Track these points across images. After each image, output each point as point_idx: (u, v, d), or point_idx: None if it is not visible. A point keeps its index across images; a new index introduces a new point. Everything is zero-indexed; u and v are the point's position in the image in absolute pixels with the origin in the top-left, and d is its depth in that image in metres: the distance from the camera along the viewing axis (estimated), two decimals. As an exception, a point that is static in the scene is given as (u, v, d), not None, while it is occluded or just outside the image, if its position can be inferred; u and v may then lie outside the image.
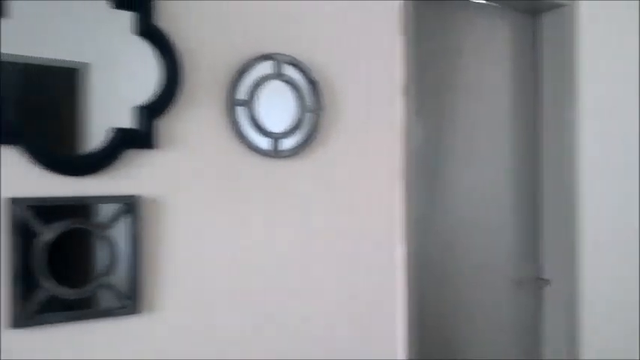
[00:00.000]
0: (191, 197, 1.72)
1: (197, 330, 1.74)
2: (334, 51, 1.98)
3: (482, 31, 2.59)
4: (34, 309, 1.49)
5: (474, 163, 2.55)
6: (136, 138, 1.59)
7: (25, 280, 1.47)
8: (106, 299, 1.59)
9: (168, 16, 1.65)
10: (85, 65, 1.55)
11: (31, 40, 1.49)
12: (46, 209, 1.50)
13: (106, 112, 1.59)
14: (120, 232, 1.59)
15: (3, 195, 1.45)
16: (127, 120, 1.59)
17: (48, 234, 1.49)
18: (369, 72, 2.07)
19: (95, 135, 1.56)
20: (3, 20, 1.42)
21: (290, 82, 1.86)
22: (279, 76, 1.83)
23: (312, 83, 1.90)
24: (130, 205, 1.60)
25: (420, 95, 2.28)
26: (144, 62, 1.61)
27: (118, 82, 1.60)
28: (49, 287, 1.50)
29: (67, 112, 1.54)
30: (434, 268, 2.40)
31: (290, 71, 1.86)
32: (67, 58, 1.53)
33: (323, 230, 1.98)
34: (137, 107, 1.59)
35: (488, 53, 2.60)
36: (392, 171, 2.13)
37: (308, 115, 1.90)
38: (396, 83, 2.13)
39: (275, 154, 1.85)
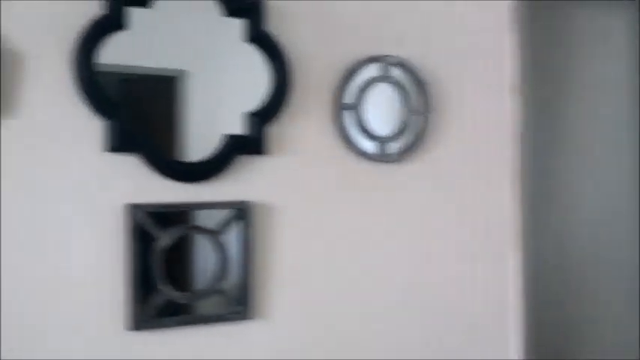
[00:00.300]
0: (300, 202, 1.72)
1: (308, 336, 1.74)
2: (443, 51, 1.92)
3: (600, 27, 2.44)
4: (152, 312, 1.52)
5: (593, 164, 2.40)
6: (247, 144, 1.61)
7: (143, 284, 1.51)
8: (218, 304, 1.62)
9: (277, 21, 1.65)
10: (194, 73, 1.59)
11: (145, 50, 1.54)
12: (163, 215, 1.54)
13: (217, 118, 1.61)
14: (231, 238, 1.61)
15: (123, 201, 1.49)
16: (237, 126, 1.60)
17: (165, 239, 1.53)
18: (479, 72, 1.99)
19: (206, 142, 1.58)
20: (124, 32, 1.46)
21: (397, 84, 1.82)
22: (386, 78, 1.79)
23: (420, 84, 1.85)
24: (241, 211, 1.61)
25: (533, 95, 2.17)
26: (254, 68, 1.62)
27: (228, 88, 1.62)
28: (166, 291, 1.53)
29: (176, 120, 1.57)
30: (550, 271, 2.28)
31: (397, 73, 1.81)
32: (175, 67, 1.57)
33: (431, 234, 1.92)
34: (247, 113, 1.60)
35: (607, 49, 2.45)
36: (504, 174, 2.03)
37: (415, 118, 1.85)
38: (507, 83, 2.04)
39: (382, 157, 1.81)
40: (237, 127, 1.60)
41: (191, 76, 1.58)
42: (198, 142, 1.59)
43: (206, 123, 1.61)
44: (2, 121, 1.37)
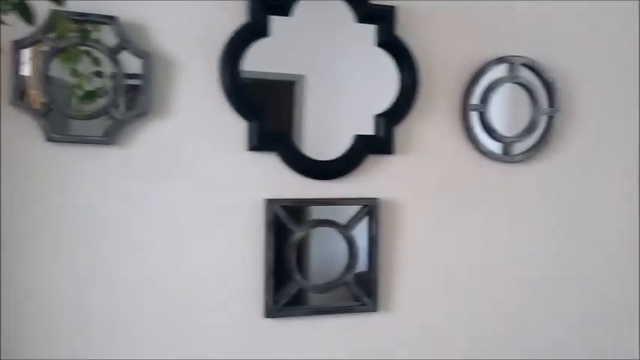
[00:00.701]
0: (425, 200, 1.76)
1: (431, 329, 1.78)
2: (571, 51, 1.89)
3: None
4: (284, 301, 1.63)
5: None
6: (376, 144, 1.67)
7: (277, 275, 1.61)
8: (345, 296, 1.69)
9: (407, 24, 1.70)
10: (324, 76, 1.66)
11: (281, 55, 1.63)
12: (297, 209, 1.64)
13: (347, 119, 1.69)
14: (360, 233, 1.68)
15: (262, 196, 1.60)
16: (366, 127, 1.66)
17: (298, 232, 1.62)
18: (607, 72, 1.93)
19: (336, 141, 1.66)
20: (265, 40, 1.57)
21: (524, 85, 1.81)
22: (513, 78, 1.79)
23: (548, 84, 1.83)
24: (370, 208, 1.68)
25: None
26: (383, 71, 1.68)
27: (358, 90, 1.69)
28: (298, 281, 1.62)
29: (305, 120, 1.65)
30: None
31: (525, 73, 1.81)
32: (306, 71, 1.65)
33: (555, 234, 1.90)
34: (377, 115, 1.67)
35: None
36: (632, 174, 1.97)
37: (542, 118, 1.83)
38: (636, 83, 1.96)
39: (507, 158, 1.81)
40: (366, 127, 1.67)
41: (321, 78, 1.66)
42: (329, 141, 1.67)
43: (335, 123, 1.69)
44: (157, 121, 1.52)
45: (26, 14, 0.83)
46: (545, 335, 1.90)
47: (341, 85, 1.68)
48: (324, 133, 1.68)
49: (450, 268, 1.79)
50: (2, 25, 0.90)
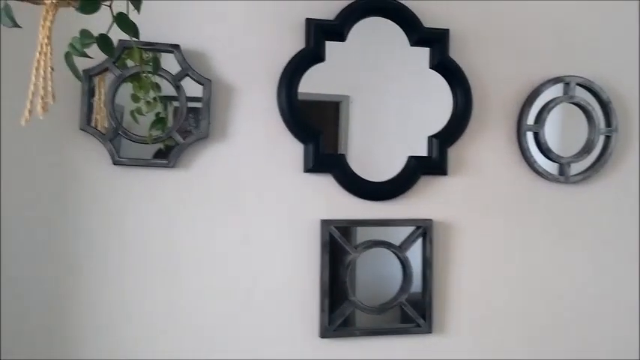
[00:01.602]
0: (479, 222, 1.75)
1: (485, 351, 1.76)
2: (627, 70, 1.86)
3: None
4: (339, 322, 1.64)
5: None
6: (430, 165, 1.68)
7: (332, 295, 1.63)
8: (398, 317, 1.69)
9: (460, 48, 1.71)
10: (378, 98, 1.68)
11: (336, 79, 1.66)
12: (351, 230, 1.66)
13: (401, 140, 1.70)
14: (414, 254, 1.68)
15: (318, 217, 1.63)
16: (419, 148, 1.68)
17: (353, 253, 1.64)
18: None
19: (391, 162, 1.68)
20: (320, 64, 1.61)
21: (580, 104, 1.79)
22: (569, 98, 1.78)
23: (604, 104, 1.81)
24: (424, 229, 1.68)
25: None
26: (437, 93, 1.69)
27: (413, 112, 1.70)
28: (353, 302, 1.64)
29: (354, 140, 1.67)
30: None
31: (581, 93, 1.79)
32: (359, 93, 1.68)
33: (614, 257, 1.86)
34: (431, 136, 1.68)
35: None
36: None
37: (599, 138, 1.81)
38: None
39: (564, 179, 1.79)
40: (420, 148, 1.68)
41: (374, 100, 1.68)
42: (382, 162, 1.69)
43: (388, 144, 1.71)
44: (217, 145, 1.57)
45: (107, 47, 0.88)
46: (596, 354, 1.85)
47: (396, 106, 1.70)
48: (373, 153, 1.70)
49: (505, 290, 1.77)
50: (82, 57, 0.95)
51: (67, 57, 0.90)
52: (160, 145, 1.54)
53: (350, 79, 1.68)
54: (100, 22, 0.93)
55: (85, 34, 0.92)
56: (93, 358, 1.50)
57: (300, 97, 1.60)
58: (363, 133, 1.68)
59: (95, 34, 0.93)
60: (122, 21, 0.94)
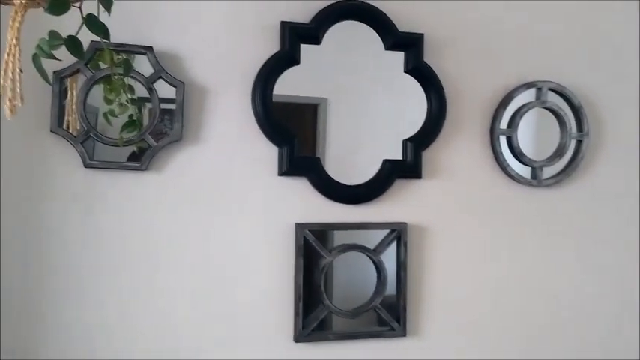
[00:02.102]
0: (453, 225, 1.76)
1: (460, 354, 1.77)
2: (598, 75, 1.89)
3: None
4: (313, 326, 1.63)
5: None
6: (405, 169, 1.69)
7: (306, 299, 1.62)
8: (373, 320, 1.70)
9: (434, 52, 1.72)
10: (352, 102, 1.69)
11: (309, 82, 1.66)
12: (325, 234, 1.66)
13: (376, 144, 1.71)
14: (388, 257, 1.69)
15: (293, 221, 1.62)
16: (396, 152, 1.68)
17: (328, 257, 1.64)
18: (636, 95, 1.93)
19: (366, 166, 1.68)
20: (296, 67, 1.60)
21: (552, 109, 1.82)
22: (541, 103, 1.80)
23: (575, 109, 1.84)
24: (398, 232, 1.69)
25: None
26: (412, 97, 1.70)
27: (387, 116, 1.71)
28: (328, 306, 1.63)
29: (328, 144, 1.67)
30: None
31: (553, 97, 1.82)
32: (331, 96, 1.68)
33: (584, 259, 1.89)
34: (405, 140, 1.69)
35: None
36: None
37: (570, 142, 1.84)
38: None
39: (536, 183, 1.81)
40: (395, 152, 1.68)
41: (348, 103, 1.69)
42: (356, 166, 1.69)
43: (363, 148, 1.71)
44: (190, 147, 1.56)
45: (77, 50, 0.87)
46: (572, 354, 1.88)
47: (370, 109, 1.70)
48: (349, 157, 1.70)
49: (477, 292, 1.79)
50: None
51: (35, 59, 0.88)
52: (134, 148, 1.52)
53: (325, 83, 1.68)
54: (71, 22, 0.92)
55: (53, 35, 0.90)
56: (67, 358, 1.48)
57: (277, 100, 1.59)
58: (338, 136, 1.67)
59: (66, 35, 0.92)
60: (92, 22, 0.92)
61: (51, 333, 1.48)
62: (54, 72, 1.43)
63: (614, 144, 1.91)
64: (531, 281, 1.84)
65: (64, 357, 1.48)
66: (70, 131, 1.48)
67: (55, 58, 0.89)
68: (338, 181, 1.65)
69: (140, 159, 1.51)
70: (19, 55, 0.91)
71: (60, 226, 1.48)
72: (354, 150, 1.70)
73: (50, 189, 1.48)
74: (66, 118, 1.48)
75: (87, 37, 0.96)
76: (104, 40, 0.97)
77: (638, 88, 1.94)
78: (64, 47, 0.91)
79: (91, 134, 1.47)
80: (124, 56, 1.46)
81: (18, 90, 0.93)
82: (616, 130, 1.91)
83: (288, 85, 1.61)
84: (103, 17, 0.95)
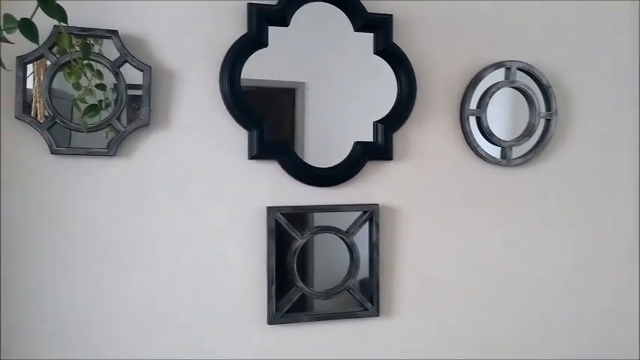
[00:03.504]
0: (425, 206, 1.78)
1: (431, 334, 1.80)
2: (567, 54, 1.91)
3: None
4: (287, 308, 1.64)
5: None
6: (376, 150, 1.69)
7: (280, 282, 1.63)
8: (347, 301, 1.71)
9: (403, 33, 1.73)
10: (322, 84, 1.69)
11: (278, 64, 1.66)
12: (297, 216, 1.66)
13: (345, 126, 1.71)
14: (361, 239, 1.70)
15: (264, 204, 1.62)
16: (364, 134, 1.69)
17: (300, 239, 1.64)
18: (605, 74, 1.95)
19: (336, 148, 1.68)
20: (263, 50, 1.59)
21: (521, 89, 1.83)
22: (510, 82, 1.82)
23: (544, 88, 1.85)
24: (370, 213, 1.70)
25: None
26: (382, 79, 1.70)
27: (356, 98, 1.71)
28: (300, 288, 1.64)
29: (304, 128, 1.68)
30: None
31: (521, 77, 1.83)
32: (304, 79, 1.68)
33: (554, 239, 1.92)
34: (376, 121, 1.69)
35: None
36: (630, 177, 1.99)
37: (539, 122, 1.85)
38: (635, 85, 1.98)
39: (506, 162, 1.83)
40: (366, 134, 1.69)
41: (320, 86, 1.69)
42: (330, 148, 1.70)
43: (336, 130, 1.71)
44: (158, 132, 1.55)
45: (30, 33, 0.86)
46: (550, 338, 1.92)
47: (340, 92, 1.70)
48: (325, 140, 1.70)
49: (449, 272, 1.81)
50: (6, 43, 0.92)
51: (-12, 43, 0.87)
52: (104, 134, 1.50)
53: (298, 66, 1.68)
54: (32, 7, 0.90)
55: (7, 18, 0.89)
56: (31, 346, 1.47)
57: (254, 84, 1.59)
58: (315, 120, 1.67)
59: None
60: (47, 5, 0.91)
61: (19, 322, 1.47)
62: (17, 57, 1.41)
63: (582, 122, 1.93)
64: (502, 259, 1.86)
65: (32, 346, 1.47)
66: (38, 118, 1.46)
67: (8, 42, 0.87)
68: (310, 164, 1.65)
69: (108, 145, 1.50)
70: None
71: (27, 214, 1.47)
72: (328, 133, 1.70)
73: (16, 177, 1.46)
74: (33, 104, 1.46)
75: (51, 22, 0.95)
76: (62, 24, 0.96)
77: (608, 67, 1.95)
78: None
79: (57, 120, 1.45)
80: (82, 40, 1.43)
81: (-25, 75, 0.92)
82: (585, 109, 1.93)
83: (263, 69, 1.61)
84: (64, 1, 0.94)
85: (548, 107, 1.86)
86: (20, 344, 1.47)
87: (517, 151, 1.84)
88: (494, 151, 1.82)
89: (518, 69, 1.82)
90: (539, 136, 1.86)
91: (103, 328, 1.52)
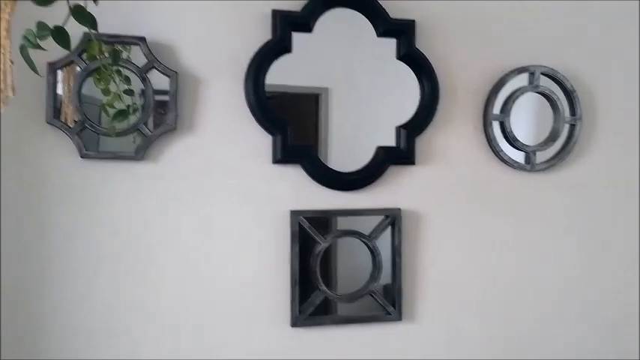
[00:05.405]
0: (447, 210, 1.78)
1: (454, 338, 1.79)
2: (591, 58, 1.89)
3: None
4: (310, 311, 1.66)
5: None
6: (398, 155, 1.70)
7: (303, 285, 1.65)
8: (370, 305, 1.72)
9: (426, 39, 1.73)
10: (346, 89, 1.70)
11: (302, 70, 1.68)
12: (320, 220, 1.67)
13: (367, 131, 1.72)
14: (383, 243, 1.71)
15: (288, 208, 1.64)
16: (387, 138, 1.70)
17: (322, 242, 1.65)
18: (629, 79, 1.93)
19: (358, 153, 1.70)
20: (287, 56, 1.61)
21: (545, 94, 1.82)
22: (534, 87, 1.81)
23: (568, 93, 1.84)
24: (392, 218, 1.70)
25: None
26: (405, 84, 1.71)
27: (380, 103, 1.72)
28: (323, 291, 1.66)
29: (327, 133, 1.69)
30: None
31: (545, 82, 1.82)
32: (328, 84, 1.69)
33: (577, 243, 1.90)
34: (399, 126, 1.70)
35: None
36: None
37: (564, 126, 1.84)
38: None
39: (529, 167, 1.82)
40: (389, 138, 1.70)
41: (343, 91, 1.70)
42: (352, 152, 1.71)
43: (359, 135, 1.73)
44: (184, 137, 1.58)
45: (63, 40, 0.89)
46: (572, 341, 1.89)
47: (363, 97, 1.71)
48: (348, 144, 1.72)
49: (471, 277, 1.80)
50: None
51: (22, 50, 0.90)
52: (132, 139, 1.53)
53: (322, 72, 1.70)
54: (63, 14, 0.94)
55: (40, 26, 0.92)
56: (54, 345, 1.50)
57: (278, 89, 1.61)
58: (338, 125, 1.69)
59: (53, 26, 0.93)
60: (78, 13, 0.94)
61: (47, 323, 1.50)
62: (48, 63, 1.45)
63: (607, 128, 1.91)
64: (525, 265, 1.85)
65: (56, 345, 1.51)
66: (68, 123, 1.49)
67: (42, 49, 0.91)
68: (333, 168, 1.66)
69: (135, 149, 1.53)
70: (10, 46, 0.93)
71: (56, 216, 1.51)
72: (351, 137, 1.72)
73: (47, 180, 1.50)
74: (63, 109, 1.50)
75: (81, 29, 0.98)
76: (92, 31, 0.99)
77: (633, 72, 1.93)
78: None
79: (86, 125, 1.49)
80: (111, 46, 1.47)
81: (9, 81, 0.95)
82: (609, 114, 1.91)
83: (287, 75, 1.63)
84: (94, 8, 0.97)
85: (573, 112, 1.85)
86: (56, 343, 1.50)
87: (541, 156, 1.83)
88: (518, 156, 1.81)
89: (542, 74, 1.81)
90: (564, 141, 1.85)
91: (131, 329, 1.55)
